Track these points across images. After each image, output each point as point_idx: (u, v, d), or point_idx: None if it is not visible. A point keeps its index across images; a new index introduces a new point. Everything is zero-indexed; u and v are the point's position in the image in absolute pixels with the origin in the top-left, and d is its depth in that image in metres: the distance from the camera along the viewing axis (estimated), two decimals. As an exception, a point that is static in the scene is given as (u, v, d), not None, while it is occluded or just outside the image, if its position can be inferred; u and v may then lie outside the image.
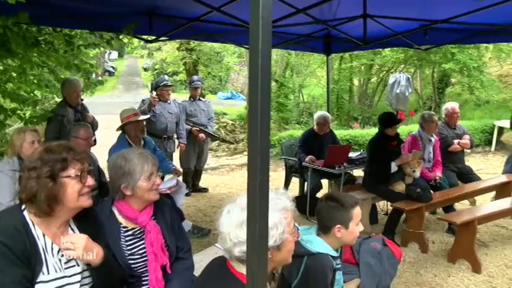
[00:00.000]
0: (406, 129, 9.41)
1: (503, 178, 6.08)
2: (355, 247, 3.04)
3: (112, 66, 35.49)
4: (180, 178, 5.00)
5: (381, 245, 3.13)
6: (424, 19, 5.34)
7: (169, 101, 6.31)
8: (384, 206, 5.94)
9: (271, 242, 1.72)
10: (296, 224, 2.03)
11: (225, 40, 6.91)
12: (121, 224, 2.30)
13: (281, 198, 1.85)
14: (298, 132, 9.74)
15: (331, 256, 2.37)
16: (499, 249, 4.88)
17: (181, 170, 5.88)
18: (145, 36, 6.07)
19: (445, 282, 4.09)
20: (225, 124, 13.22)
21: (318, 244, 2.37)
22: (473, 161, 9.31)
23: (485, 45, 12.86)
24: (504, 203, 5.18)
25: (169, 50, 20.95)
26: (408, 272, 4.27)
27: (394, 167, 5.07)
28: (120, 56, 45.39)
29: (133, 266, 2.28)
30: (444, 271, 4.32)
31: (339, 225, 2.39)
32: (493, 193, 6.06)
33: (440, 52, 12.53)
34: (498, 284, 4.10)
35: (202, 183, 7.28)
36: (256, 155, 1.13)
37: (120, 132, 4.65)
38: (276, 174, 8.26)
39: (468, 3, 4.20)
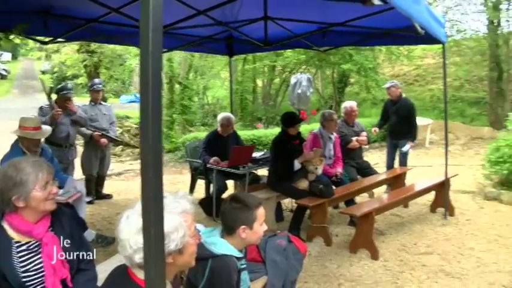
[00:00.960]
0: (309, 128, 9.73)
1: (397, 171, 6.56)
2: (261, 245, 3.08)
3: (4, 69, 33.15)
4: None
5: (286, 241, 3.21)
6: (322, 22, 5.57)
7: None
8: (289, 203, 6.09)
9: (172, 246, 1.70)
10: (198, 227, 2.02)
11: (125, 42, 6.73)
12: (13, 239, 2.14)
13: (180, 201, 1.82)
14: (202, 134, 9.73)
15: (236, 257, 2.38)
16: (394, 236, 5.25)
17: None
18: (40, 37, 5.70)
19: (348, 272, 4.30)
20: (128, 128, 12.87)
21: (222, 246, 2.37)
22: (371, 156, 9.88)
23: (378, 47, 13.71)
24: (398, 193, 5.59)
25: (68, 52, 19.95)
26: (314, 265, 4.42)
27: (297, 165, 5.22)
28: (14, 57, 42.61)
29: (28, 284, 2.12)
30: (347, 261, 4.53)
31: (243, 226, 2.40)
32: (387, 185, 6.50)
33: (339, 53, 13.13)
34: (392, 267, 4.40)
35: (106, 190, 7.02)
36: (148, 158, 1.11)
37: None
38: (182, 177, 8.19)
39: (362, 9, 4.46)
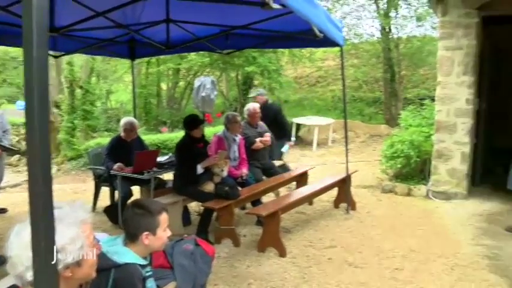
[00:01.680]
0: (214, 131, 9.76)
1: (301, 169, 6.78)
2: (168, 251, 3.04)
3: None
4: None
5: (193, 245, 3.19)
6: (225, 25, 5.60)
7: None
8: (196, 206, 6.08)
9: (69, 259, 1.63)
10: (101, 236, 1.96)
11: (15, 44, 6.29)
12: None
13: (77, 211, 1.75)
14: (106, 139, 9.38)
15: (140, 265, 2.34)
16: (300, 233, 5.42)
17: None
18: None
19: (257, 271, 4.37)
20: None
21: (124, 255, 2.31)
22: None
23: (281, 50, 14.07)
24: (302, 191, 5.78)
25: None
26: (224, 267, 4.44)
27: (199, 170, 5.20)
28: None
29: None
30: (256, 261, 4.60)
31: (146, 232, 2.36)
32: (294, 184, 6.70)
33: (243, 56, 13.28)
34: (299, 263, 4.55)
35: (0, 204, 6.55)
36: (36, 166, 1.06)
37: None
38: (86, 185, 7.86)
39: (262, 12, 4.55)
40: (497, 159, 7.78)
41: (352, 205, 6.30)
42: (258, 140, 6.39)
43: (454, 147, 6.85)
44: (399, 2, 15.33)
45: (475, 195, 7.02)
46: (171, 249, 3.06)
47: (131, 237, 2.39)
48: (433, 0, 6.99)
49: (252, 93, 7.58)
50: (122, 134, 5.98)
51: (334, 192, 6.47)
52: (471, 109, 6.76)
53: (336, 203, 6.45)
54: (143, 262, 2.37)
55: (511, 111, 6.39)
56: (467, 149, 6.82)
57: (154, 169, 5.59)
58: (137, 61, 7.32)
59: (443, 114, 6.88)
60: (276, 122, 7.13)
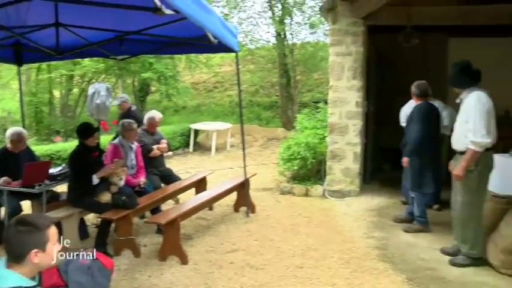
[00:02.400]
0: (110, 139, 9.41)
1: (200, 175, 6.77)
2: (62, 268, 2.86)
3: None
4: None
5: (90, 259, 3.05)
6: (119, 30, 5.44)
7: None
8: (93, 218, 5.82)
9: None
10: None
11: None
12: None
13: None
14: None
15: (28, 287, 2.17)
16: (201, 239, 5.40)
17: None
18: None
19: (159, 280, 4.28)
20: None
21: (7, 278, 2.12)
22: (175, 163, 10.00)
23: (178, 56, 13.97)
24: (201, 197, 5.76)
25: None
26: (124, 279, 4.30)
27: (95, 180, 5.00)
28: None
29: None
30: (157, 270, 4.50)
31: (35, 250, 2.18)
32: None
33: (139, 62, 13.02)
34: (201, 269, 4.53)
35: None
36: None
37: None
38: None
39: (156, 18, 4.48)
40: (385, 157, 8.38)
41: (251, 208, 6.40)
42: (155, 147, 6.30)
43: (346, 147, 7.24)
44: (293, 10, 15.88)
45: (366, 191, 7.47)
46: (65, 265, 2.88)
47: (16, 258, 2.19)
48: (324, 9, 7.32)
49: (116, 101, 7.39)
50: (9, 146, 5.55)
51: (234, 196, 6.53)
52: (361, 111, 7.19)
53: (236, 207, 6.52)
54: (31, 284, 2.20)
55: (395, 113, 6.87)
56: (358, 149, 7.23)
57: (46, 181, 5.24)
58: (25, 67, 6.84)
59: (335, 116, 7.24)
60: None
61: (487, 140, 4.18)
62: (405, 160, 5.60)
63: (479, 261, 4.48)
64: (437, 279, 4.29)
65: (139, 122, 6.63)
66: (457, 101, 4.58)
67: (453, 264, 4.54)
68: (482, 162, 4.31)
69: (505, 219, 4.43)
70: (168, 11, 2.96)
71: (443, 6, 6.92)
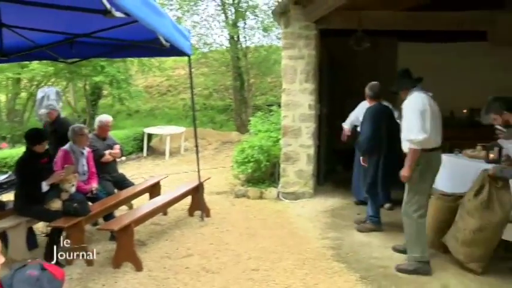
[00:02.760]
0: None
1: (153, 180, 6.69)
2: (6, 282, 2.75)
3: None
4: None
5: (38, 270, 2.93)
6: (68, 32, 5.27)
7: None
8: (43, 227, 5.63)
9: None
10: None
11: None
12: None
13: None
14: None
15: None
16: (156, 245, 5.33)
17: None
18: None
19: (113, 289, 4.19)
20: None
21: None
22: (128, 168, 9.86)
23: (130, 59, 13.74)
24: (155, 202, 5.69)
25: None
26: (77, 289, 4.19)
27: (45, 187, 4.85)
28: None
29: None
30: (111, 278, 4.41)
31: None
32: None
33: (90, 65, 12.69)
34: (156, 275, 4.47)
35: None
36: None
37: None
38: None
39: (107, 20, 4.39)
40: (338, 159, 8.53)
41: (206, 212, 6.37)
42: (107, 152, 6.17)
43: (300, 150, 7.33)
44: (246, 13, 15.95)
45: (320, 193, 7.59)
46: (9, 279, 2.76)
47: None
48: (277, 12, 7.39)
49: (43, 110, 6.98)
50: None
51: (188, 200, 6.48)
52: (313, 114, 7.29)
53: (191, 211, 6.47)
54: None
55: (347, 115, 7.03)
56: (311, 151, 7.33)
57: (-10, 190, 5.05)
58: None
59: (289, 119, 7.32)
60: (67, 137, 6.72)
61: (421, 137, 4.21)
62: (363, 159, 5.75)
63: (427, 264, 4.47)
64: (389, 276, 4.40)
65: (65, 132, 6.23)
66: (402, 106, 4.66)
67: (399, 270, 4.50)
68: (423, 161, 4.36)
69: (459, 213, 4.55)
70: (118, 14, 2.91)
71: (392, 11, 7.14)
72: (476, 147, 6.12)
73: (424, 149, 4.33)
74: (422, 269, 4.41)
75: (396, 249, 4.97)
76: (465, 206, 4.46)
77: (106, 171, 6.11)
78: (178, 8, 16.28)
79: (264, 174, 7.69)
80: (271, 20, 14.05)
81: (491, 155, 5.73)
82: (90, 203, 5.11)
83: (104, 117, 6.43)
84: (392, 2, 7.02)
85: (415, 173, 4.39)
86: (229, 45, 16.53)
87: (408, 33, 8.03)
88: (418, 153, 4.32)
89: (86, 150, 5.66)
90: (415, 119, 4.25)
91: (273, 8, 7.50)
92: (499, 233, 4.33)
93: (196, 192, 6.32)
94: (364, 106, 6.07)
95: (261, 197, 7.42)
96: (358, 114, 6.60)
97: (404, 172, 4.43)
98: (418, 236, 4.48)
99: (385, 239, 5.43)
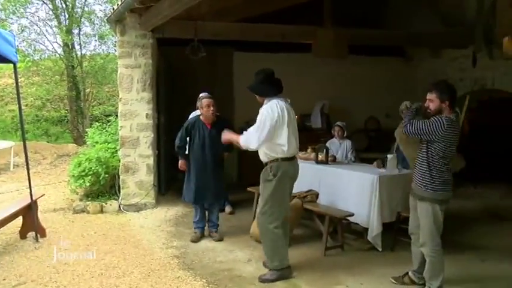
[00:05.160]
0: None
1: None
2: None
3: None
4: None
5: None
6: None
7: None
8: None
9: None
10: None
11: None
12: None
13: None
14: None
15: None
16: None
17: None
18: None
19: None
20: None
21: None
22: None
23: None
24: None
25: None
26: None
27: None
28: None
29: None
30: None
31: None
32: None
33: None
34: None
35: None
36: None
37: None
38: None
39: None
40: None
41: (41, 232, 5.84)
42: None
43: (139, 160, 7.22)
44: (81, 20, 15.25)
45: (162, 202, 7.55)
46: None
47: None
48: (112, 20, 7.18)
49: None
50: None
51: (20, 221, 5.87)
52: (151, 123, 7.25)
53: (22, 233, 5.84)
54: None
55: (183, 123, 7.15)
56: (151, 161, 7.27)
57: None
58: None
59: (126, 129, 7.17)
60: None
61: (254, 146, 4.30)
62: (182, 162, 5.79)
63: (288, 269, 4.53)
64: (234, 277, 4.56)
65: None
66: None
67: (262, 281, 4.46)
68: (280, 171, 4.32)
69: None
70: None
71: (226, 22, 7.47)
72: (308, 150, 6.68)
73: (282, 158, 4.33)
74: (283, 275, 4.46)
75: (266, 265, 4.70)
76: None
77: None
78: (1, 9, 14.90)
79: (103, 187, 7.37)
80: (108, 27, 13.67)
81: (320, 156, 6.32)
82: None
83: None
84: (225, 13, 7.34)
85: (271, 184, 4.35)
86: (63, 53, 15.62)
87: (245, 43, 8.43)
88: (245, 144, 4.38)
89: None
90: (262, 128, 4.23)
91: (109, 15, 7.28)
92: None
93: (29, 211, 5.76)
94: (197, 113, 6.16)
95: (101, 211, 7.09)
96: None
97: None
98: (275, 247, 4.46)
99: (229, 243, 5.60)
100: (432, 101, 3.91)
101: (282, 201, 4.44)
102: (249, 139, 4.34)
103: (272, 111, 4.25)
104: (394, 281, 4.40)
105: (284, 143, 4.29)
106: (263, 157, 4.46)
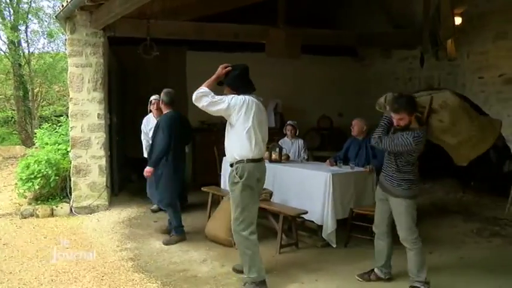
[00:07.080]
0: None
1: None
2: None
3: None
4: None
5: None
6: None
7: None
8: None
9: None
10: None
11: None
12: None
13: None
14: None
15: None
16: None
17: None
18: None
19: None
20: None
21: None
22: None
23: None
24: None
25: None
26: None
27: None
28: None
29: None
30: None
31: None
32: None
33: None
34: None
35: None
36: None
37: None
38: None
39: None
40: (132, 167, 8.42)
41: (-14, 239, 5.60)
42: None
43: (91, 161, 7.06)
44: (29, 16, 14.75)
45: (116, 204, 7.41)
46: None
47: None
48: (61, 17, 6.98)
49: None
50: None
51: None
52: (103, 123, 7.09)
53: (-36, 242, 5.56)
54: None
55: (139, 123, 7.03)
56: (103, 161, 7.11)
57: None
58: None
59: (77, 130, 7.00)
60: None
61: (198, 102, 4.04)
62: (148, 170, 5.49)
63: (263, 285, 4.20)
64: (189, 278, 4.52)
65: None
66: None
67: None
68: (247, 173, 4.12)
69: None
70: None
71: (179, 21, 7.41)
72: (261, 149, 6.68)
73: (248, 159, 4.13)
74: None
75: (236, 270, 4.58)
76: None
77: None
78: None
79: (53, 189, 7.14)
80: (58, 25, 13.29)
81: (274, 155, 6.38)
82: None
83: None
84: (178, 12, 7.29)
85: (237, 186, 4.12)
86: (8, 51, 15.05)
87: (198, 42, 8.38)
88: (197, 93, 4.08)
89: None
90: (220, 99, 4.07)
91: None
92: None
93: (-29, 217, 5.52)
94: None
95: (52, 215, 6.86)
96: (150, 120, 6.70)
97: None
98: (253, 255, 4.18)
99: (183, 243, 5.55)
100: (402, 119, 4.03)
101: (252, 205, 4.20)
102: (204, 94, 4.03)
103: (239, 98, 4.14)
104: (359, 278, 4.44)
105: (246, 132, 4.11)
106: (229, 158, 4.30)
